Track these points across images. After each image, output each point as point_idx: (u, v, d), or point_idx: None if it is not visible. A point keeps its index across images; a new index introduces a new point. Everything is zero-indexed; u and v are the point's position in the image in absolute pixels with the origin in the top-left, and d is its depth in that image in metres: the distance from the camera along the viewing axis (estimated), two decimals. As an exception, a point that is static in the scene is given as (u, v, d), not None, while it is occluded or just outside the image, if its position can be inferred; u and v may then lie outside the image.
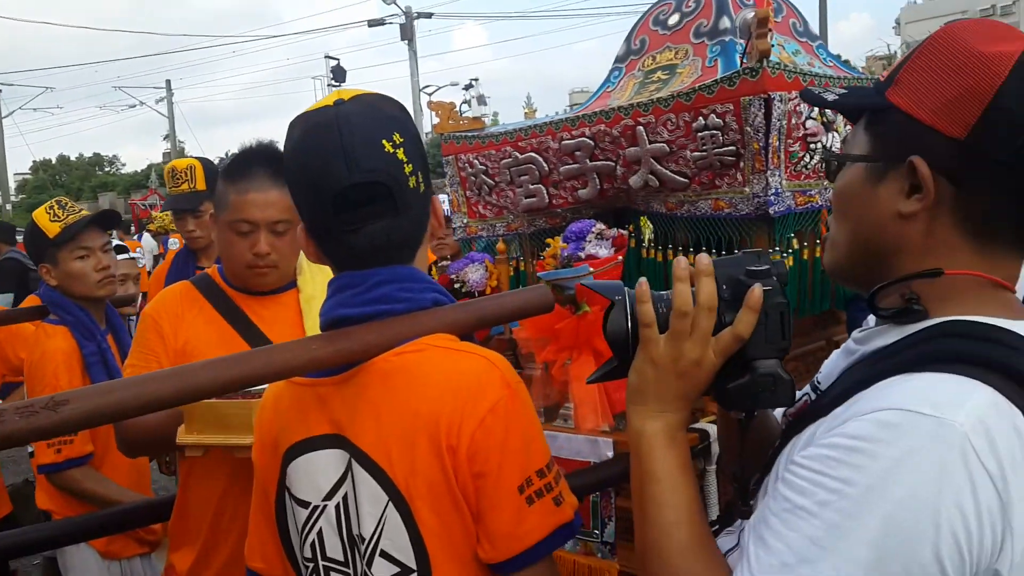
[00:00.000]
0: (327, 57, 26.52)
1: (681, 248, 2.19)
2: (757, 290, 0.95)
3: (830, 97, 1.03)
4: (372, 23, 27.07)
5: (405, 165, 1.12)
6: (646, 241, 2.25)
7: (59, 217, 2.55)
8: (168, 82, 39.37)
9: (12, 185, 45.19)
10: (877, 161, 0.94)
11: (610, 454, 1.86)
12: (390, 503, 1.09)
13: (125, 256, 3.49)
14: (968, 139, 0.87)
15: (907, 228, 0.92)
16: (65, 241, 2.54)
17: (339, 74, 25.67)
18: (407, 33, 26.13)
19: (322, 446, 1.16)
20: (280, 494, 1.23)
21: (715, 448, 1.85)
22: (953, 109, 0.88)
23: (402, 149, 1.12)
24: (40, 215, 2.59)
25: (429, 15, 27.34)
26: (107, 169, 59.50)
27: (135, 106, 40.65)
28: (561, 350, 1.98)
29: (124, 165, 62.73)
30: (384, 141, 1.11)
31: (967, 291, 0.90)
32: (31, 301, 3.39)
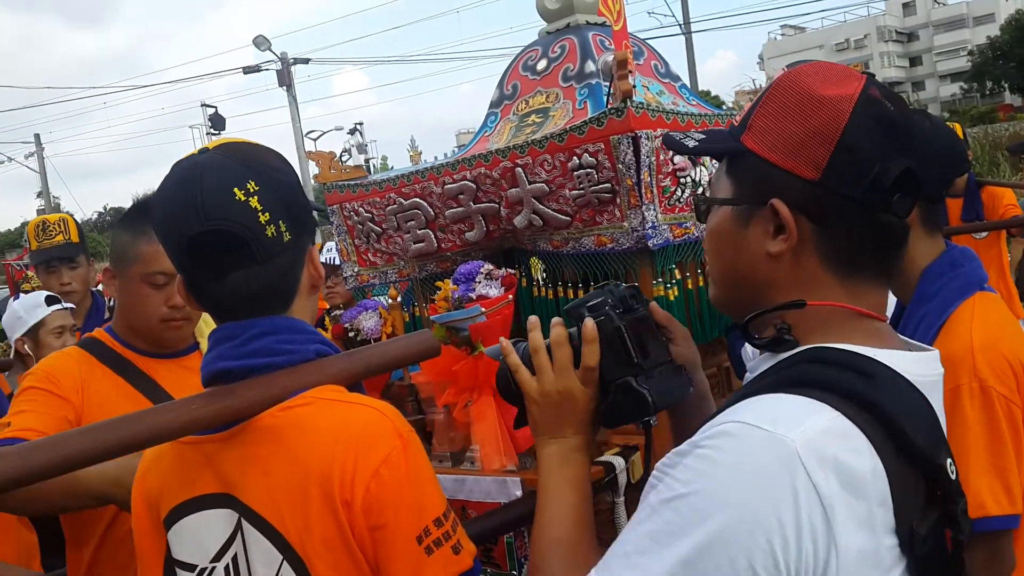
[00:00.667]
0: (204, 105, 25.96)
1: (571, 284, 2.27)
2: (588, 323, 1.09)
3: (690, 143, 1.08)
4: (247, 70, 26.67)
5: (260, 214, 1.12)
6: (537, 280, 2.32)
7: None
8: (37, 136, 37.63)
9: None
10: (741, 204, 1.00)
11: (519, 493, 1.89)
12: (285, 562, 1.08)
13: (58, 307, 3.16)
14: (821, 179, 0.92)
15: (776, 265, 0.97)
16: None
17: (218, 122, 25.12)
18: (284, 79, 25.84)
19: (209, 506, 1.15)
20: (168, 563, 1.21)
21: (622, 480, 1.91)
22: (804, 151, 0.93)
23: (256, 198, 1.12)
24: None
25: (306, 60, 27.16)
26: (-19, 229, 56.34)
27: (3, 162, 38.62)
28: (461, 392, 2.01)
29: (-3, 224, 59.63)
30: (236, 189, 1.11)
31: (833, 321, 0.95)
32: None
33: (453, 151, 2.89)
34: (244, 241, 1.12)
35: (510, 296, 2.06)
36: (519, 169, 2.23)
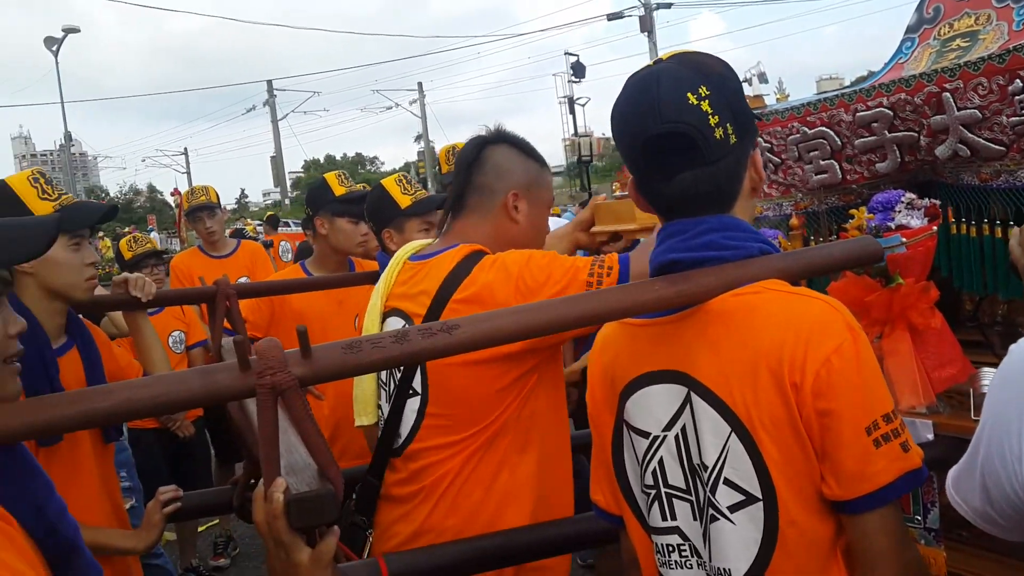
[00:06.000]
0: (567, 54, 27.00)
1: (999, 222, 2.06)
2: None
3: None
4: (611, 17, 27.24)
5: (710, 117, 1.18)
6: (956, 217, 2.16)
7: (409, 191, 2.80)
8: (420, 84, 41.88)
9: (288, 182, 50.15)
10: None
11: (930, 436, 1.79)
12: (732, 434, 1.15)
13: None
14: None
15: None
16: (414, 214, 2.76)
17: (579, 70, 26.04)
18: (646, 25, 26.02)
19: (660, 380, 1.25)
20: (617, 428, 1.33)
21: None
22: None
23: (707, 101, 1.18)
24: (391, 185, 2.82)
25: (668, 5, 27.06)
26: (368, 167, 64.34)
27: (391, 108, 43.46)
28: (872, 324, 1.93)
29: (383, 164, 67.69)
30: (689, 94, 1.18)
31: None
32: None
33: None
34: (695, 142, 1.18)
35: (934, 227, 1.93)
36: (947, 94, 2.06)
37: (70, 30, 30.01)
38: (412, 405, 1.80)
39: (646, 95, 1.20)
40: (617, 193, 2.07)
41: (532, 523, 1.72)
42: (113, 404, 0.97)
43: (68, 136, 35.12)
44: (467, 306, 1.70)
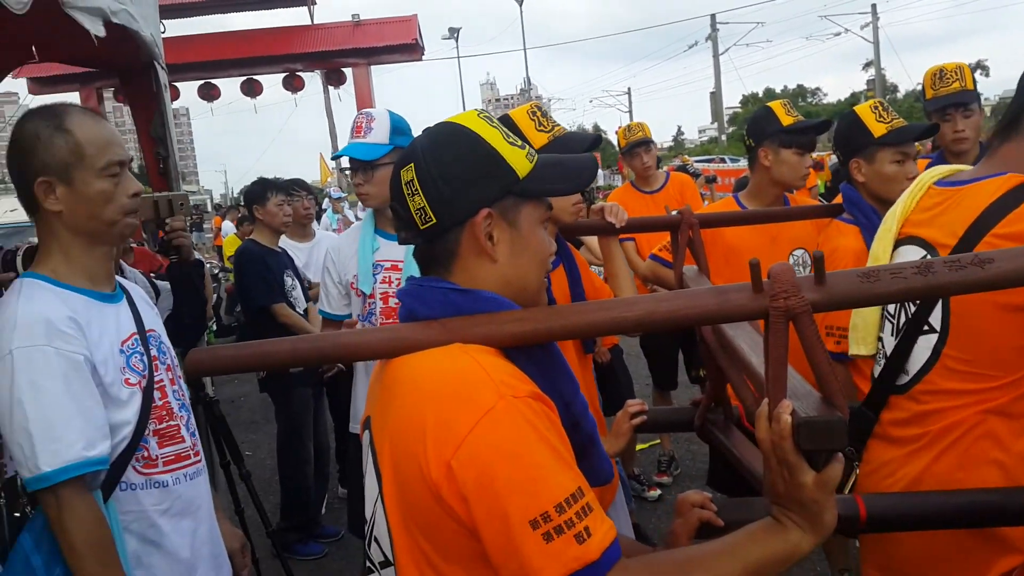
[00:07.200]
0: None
1: None
2: None
3: None
4: None
5: None
6: None
7: (885, 119, 2.59)
8: (874, 6, 38.59)
9: (725, 118, 50.00)
10: None
11: None
12: None
13: None
14: None
15: None
16: (888, 143, 2.56)
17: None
18: None
19: None
20: None
21: None
22: None
23: None
24: (865, 112, 2.64)
25: None
26: (809, 100, 61.50)
27: (839, 34, 40.87)
28: None
29: (826, 95, 64.18)
30: None
31: None
32: None
33: None
34: None
35: None
36: None
37: (534, -20, 32.63)
38: (926, 342, 1.66)
39: None
40: None
41: None
42: (639, 314, 1.06)
43: (528, 81, 38.63)
44: (1010, 243, 1.49)
